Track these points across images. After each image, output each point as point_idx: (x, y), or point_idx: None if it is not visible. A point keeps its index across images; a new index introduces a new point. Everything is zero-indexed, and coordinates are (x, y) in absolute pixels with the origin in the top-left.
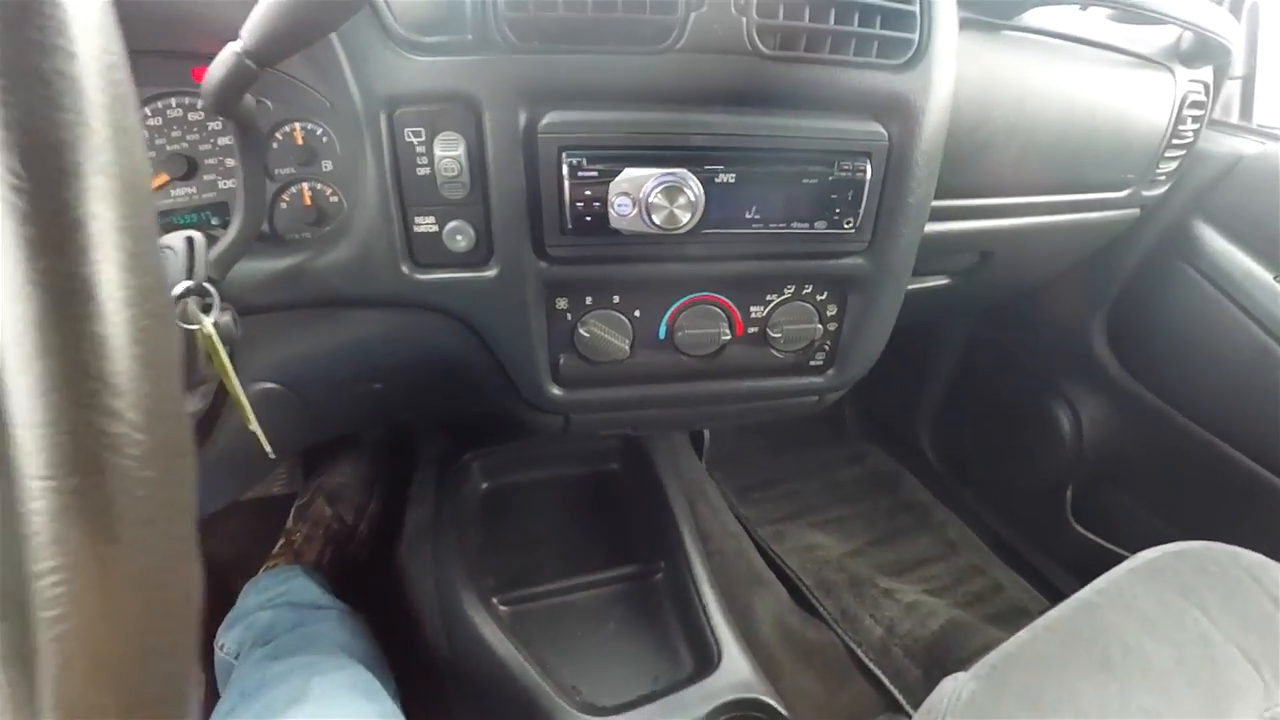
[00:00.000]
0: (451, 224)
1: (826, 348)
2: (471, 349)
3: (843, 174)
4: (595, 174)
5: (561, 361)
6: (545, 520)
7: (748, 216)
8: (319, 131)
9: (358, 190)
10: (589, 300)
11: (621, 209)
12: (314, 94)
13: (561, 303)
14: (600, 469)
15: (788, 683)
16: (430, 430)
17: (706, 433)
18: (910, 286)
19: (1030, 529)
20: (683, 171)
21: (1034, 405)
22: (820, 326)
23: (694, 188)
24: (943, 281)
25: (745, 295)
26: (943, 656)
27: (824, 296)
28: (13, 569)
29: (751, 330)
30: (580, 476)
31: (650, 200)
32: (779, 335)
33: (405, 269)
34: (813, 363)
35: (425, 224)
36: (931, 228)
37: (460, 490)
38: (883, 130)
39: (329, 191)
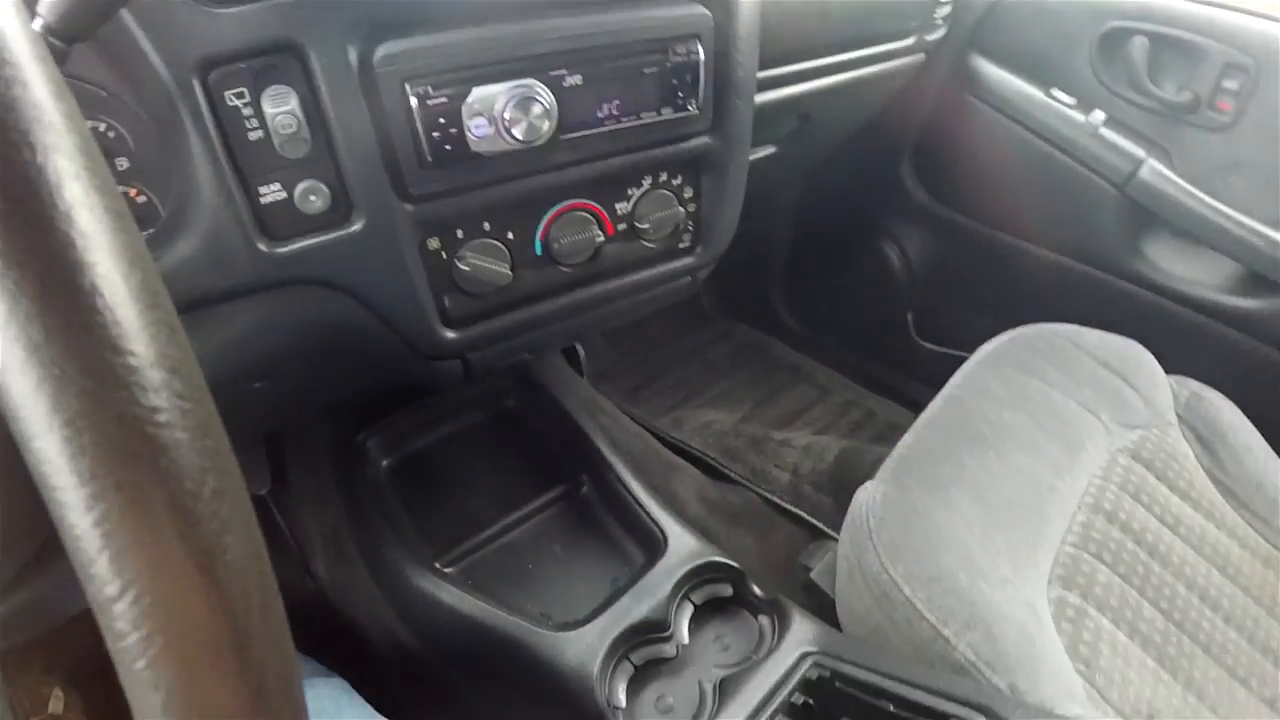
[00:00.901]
0: (301, 185)
1: (690, 229)
2: (353, 315)
3: (678, 59)
4: (444, 100)
5: (447, 303)
6: (460, 473)
7: (600, 115)
8: (102, 128)
9: (181, 177)
10: (460, 234)
11: (479, 130)
12: (86, 88)
13: (434, 243)
14: (497, 410)
15: (725, 544)
16: (308, 423)
17: (581, 350)
18: (753, 157)
19: (886, 356)
20: (531, 81)
21: (866, 248)
22: (682, 210)
23: (545, 95)
24: (771, 150)
25: (610, 194)
26: (846, 481)
27: (679, 181)
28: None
29: (621, 227)
30: (480, 422)
31: (506, 115)
32: (647, 226)
33: (262, 246)
34: (681, 245)
35: (272, 192)
36: (758, 99)
37: (363, 475)
38: (706, 11)
39: (133, 193)
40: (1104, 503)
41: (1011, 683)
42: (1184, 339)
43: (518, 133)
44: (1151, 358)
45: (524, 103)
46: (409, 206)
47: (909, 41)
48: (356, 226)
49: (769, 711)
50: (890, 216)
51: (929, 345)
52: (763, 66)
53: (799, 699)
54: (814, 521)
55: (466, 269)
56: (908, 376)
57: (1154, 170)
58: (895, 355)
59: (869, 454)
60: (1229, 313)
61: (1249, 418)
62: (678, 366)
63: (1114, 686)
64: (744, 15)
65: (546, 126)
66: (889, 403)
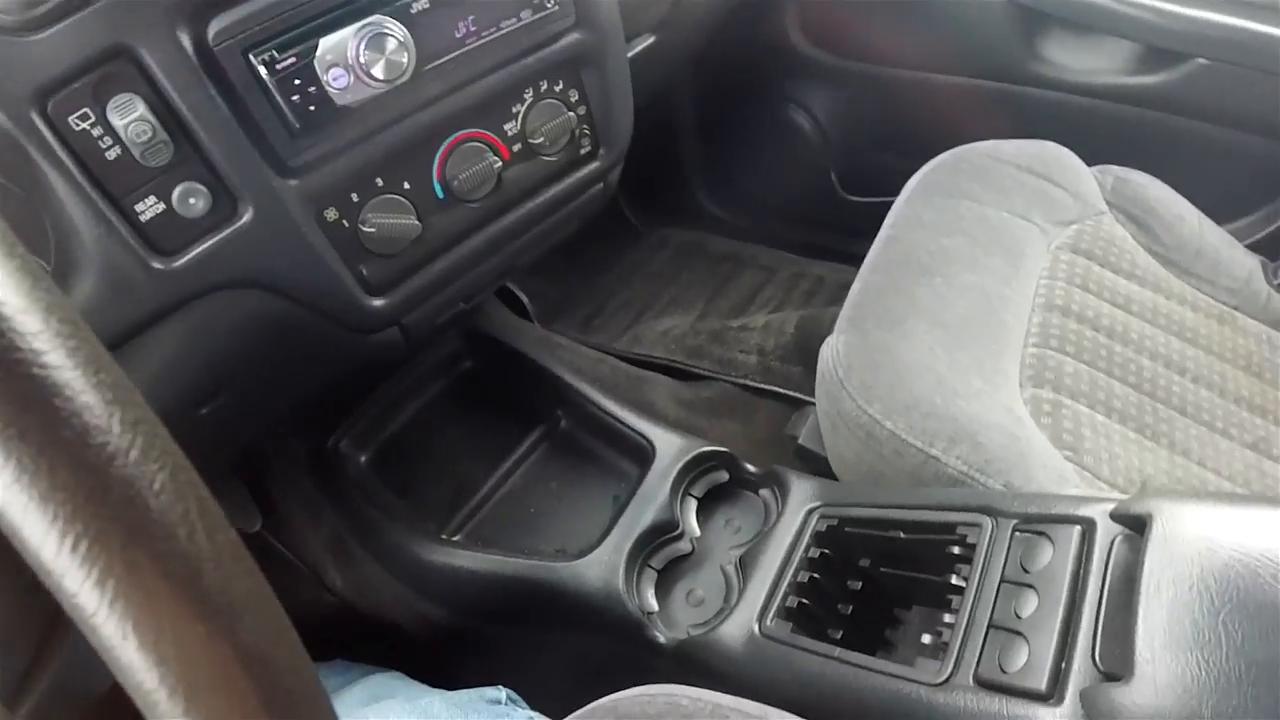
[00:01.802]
0: (178, 191)
1: (587, 132)
2: (276, 310)
3: None
4: (293, 60)
5: (364, 271)
6: (439, 445)
7: (459, 36)
8: None
9: (54, 219)
10: (356, 197)
11: (338, 82)
12: None
13: (331, 213)
14: (457, 375)
15: (711, 436)
16: (279, 448)
17: (524, 296)
18: (630, 53)
19: (820, 221)
20: (378, 17)
21: (774, 120)
22: (572, 114)
23: (396, 28)
24: (650, 40)
25: (495, 117)
26: (810, 346)
27: (561, 86)
28: None
29: (516, 148)
30: (443, 391)
31: (361, 59)
32: (542, 139)
33: (158, 265)
34: (582, 152)
35: (149, 207)
36: None
37: (346, 477)
38: None
39: None
40: (1055, 299)
41: (1006, 482)
42: (1097, 129)
43: (378, 73)
44: (1071, 154)
45: (376, 41)
46: (293, 182)
47: None
48: (246, 218)
49: (790, 572)
50: (790, 82)
51: (858, 199)
52: None
53: (815, 552)
54: (789, 393)
55: (373, 230)
56: (845, 235)
57: None
58: (828, 217)
59: (826, 316)
60: (1134, 93)
61: (1173, 189)
62: (622, 288)
63: (1103, 464)
64: None
65: (406, 59)
66: (834, 265)
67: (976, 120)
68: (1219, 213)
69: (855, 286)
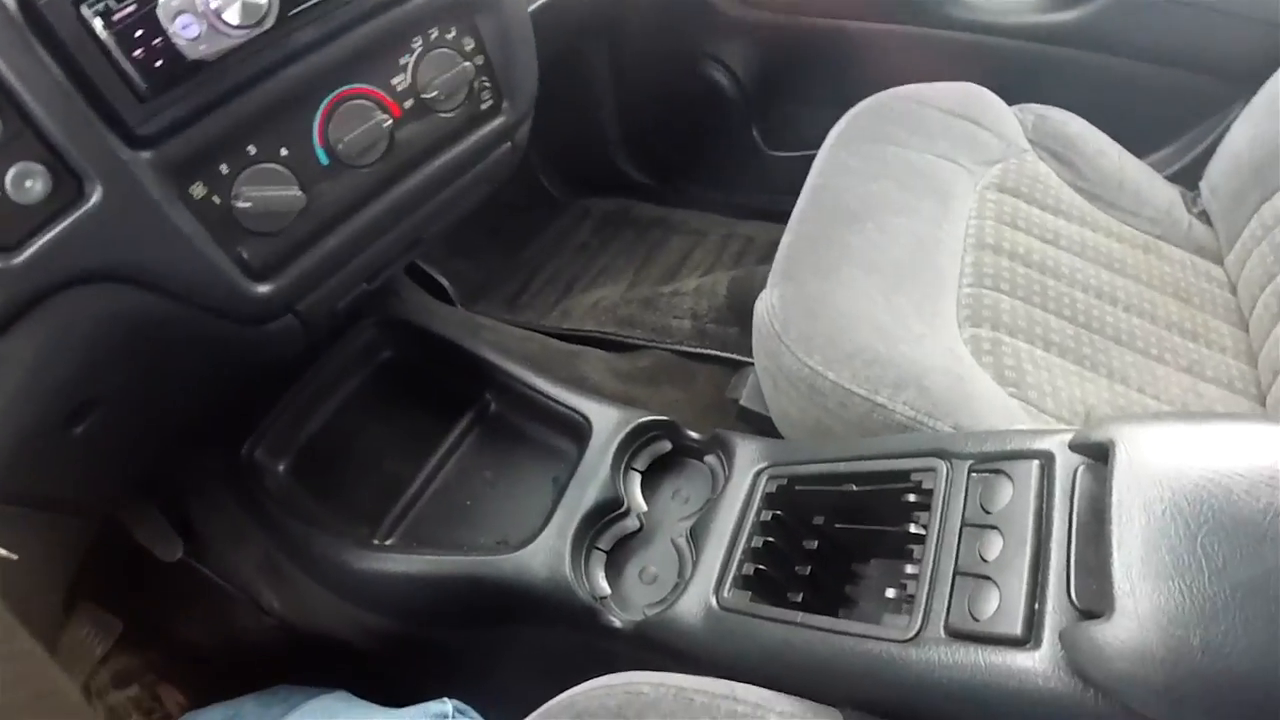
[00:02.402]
0: (11, 174)
1: (487, 84)
2: (143, 304)
3: None
4: (132, 8)
5: (244, 253)
6: (363, 443)
7: None
8: None
9: None
10: (225, 168)
11: (188, 32)
12: None
13: (198, 189)
14: (375, 366)
15: (651, 406)
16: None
17: (443, 280)
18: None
19: (745, 180)
20: None
21: (691, 79)
22: (469, 64)
23: None
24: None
25: (380, 69)
26: (744, 305)
27: (454, 33)
28: None
29: (408, 104)
30: (362, 385)
31: (213, 4)
32: (436, 93)
33: None
34: (484, 107)
35: None
36: None
37: (265, 489)
38: None
39: None
40: (986, 238)
41: (955, 423)
42: (1016, 69)
43: (233, 18)
44: (992, 95)
45: None
46: (146, 154)
47: None
48: (95, 199)
49: (743, 539)
50: (704, 38)
51: (782, 154)
52: None
53: (766, 515)
54: (727, 355)
55: (249, 205)
56: (771, 191)
57: None
58: (753, 175)
59: (758, 274)
60: (1049, 30)
61: (1092, 124)
62: (548, 262)
63: (1046, 397)
64: None
65: (266, 1)
66: (762, 223)
67: (896, 66)
68: (1138, 146)
69: (785, 239)
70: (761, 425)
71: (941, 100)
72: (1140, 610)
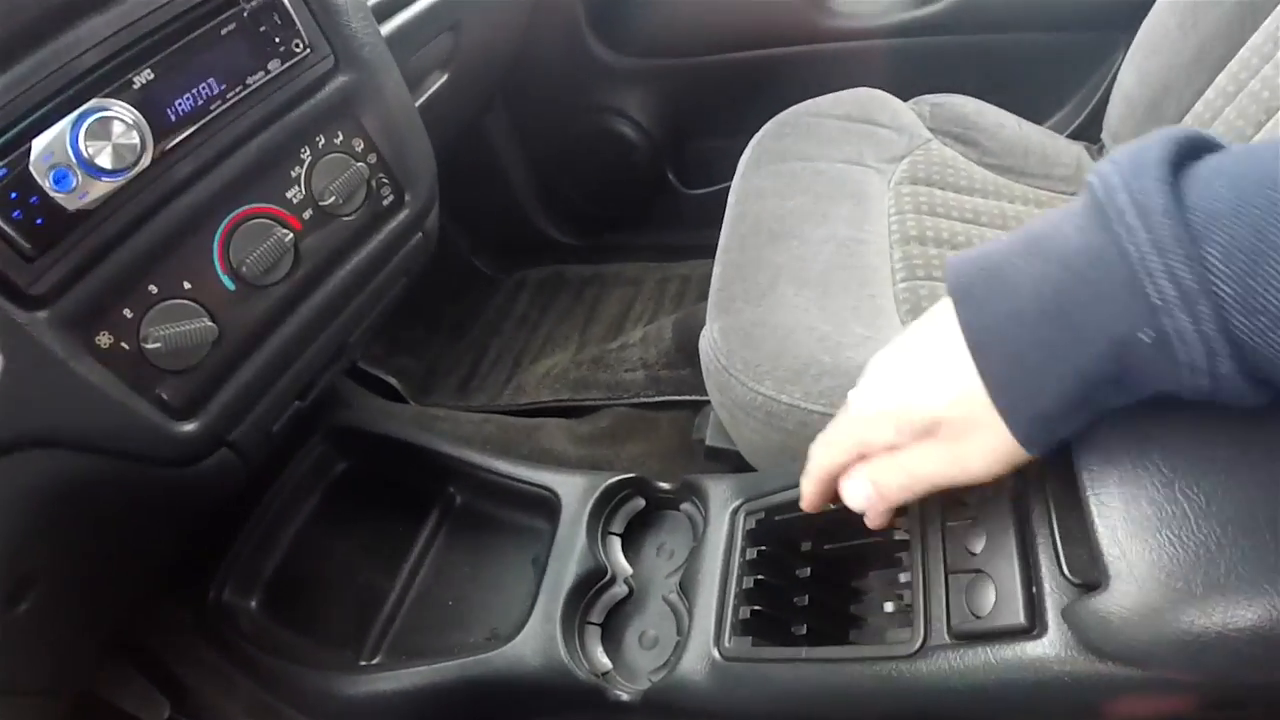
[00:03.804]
0: None
1: (385, 181)
2: (68, 468)
3: (254, 3)
4: (4, 172)
5: (163, 394)
6: (332, 563)
7: (202, 103)
8: None
9: None
10: (129, 312)
11: (64, 185)
12: None
13: (104, 339)
14: (330, 482)
15: (620, 464)
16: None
17: (390, 379)
18: (419, 102)
19: (669, 222)
20: (95, 101)
21: (599, 135)
22: (362, 164)
23: (122, 109)
24: (443, 77)
25: (272, 185)
26: (691, 345)
27: (341, 137)
28: None
29: (307, 214)
30: (320, 504)
31: (85, 153)
32: (333, 199)
33: None
34: (386, 203)
35: None
36: (392, 23)
37: (240, 630)
38: None
39: None
40: (909, 231)
41: None
42: (906, 66)
43: (107, 163)
44: (884, 94)
45: (98, 128)
46: (43, 313)
47: None
48: None
49: (733, 583)
50: (603, 93)
51: (700, 191)
52: None
53: (752, 553)
54: (684, 397)
55: (159, 346)
56: (697, 228)
57: None
58: (677, 216)
59: (700, 311)
60: (925, 23)
61: (989, 101)
62: (492, 341)
63: None
64: None
65: (139, 142)
66: (695, 261)
67: (792, 86)
68: (1036, 113)
69: (715, 271)
70: (732, 461)
71: (837, 109)
72: (1136, 572)
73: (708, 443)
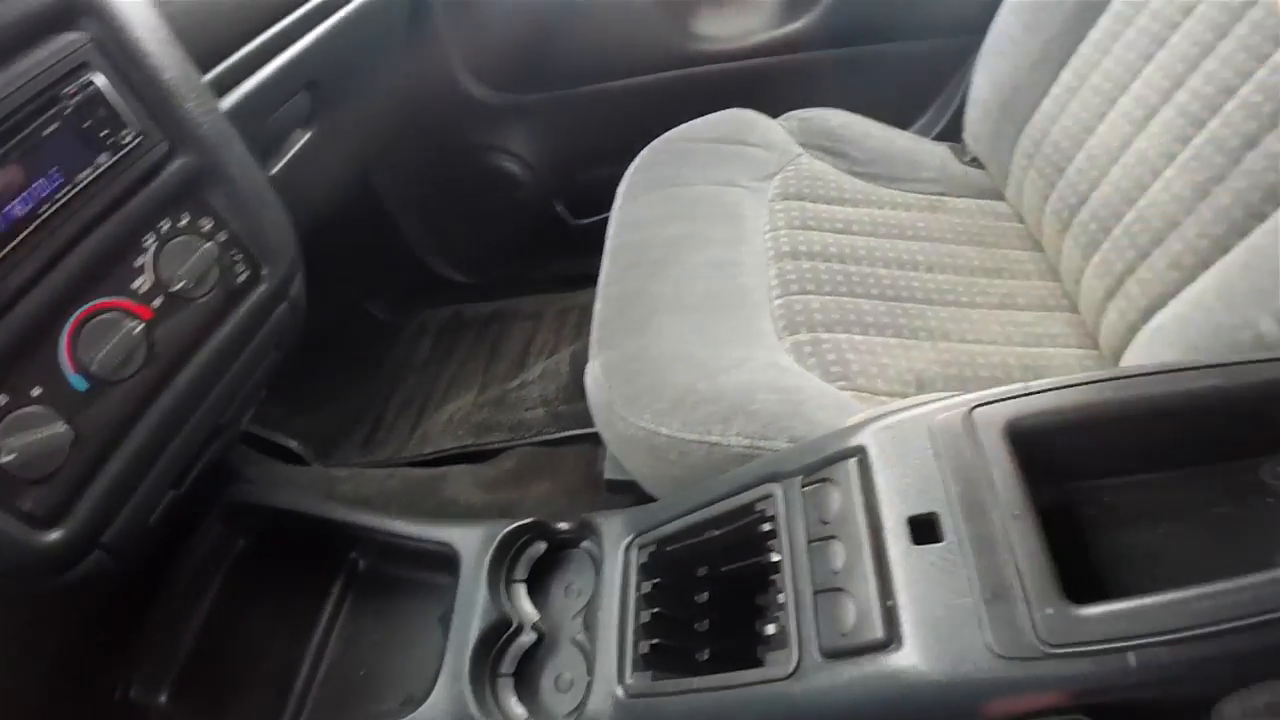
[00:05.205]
0: None
1: (238, 257)
2: None
3: (78, 99)
4: None
5: (23, 506)
6: (241, 645)
7: (31, 206)
8: None
9: None
10: None
11: None
12: None
13: None
14: (230, 560)
15: (526, 507)
16: None
17: (291, 443)
18: (273, 171)
19: (563, 253)
20: None
21: (485, 173)
22: (211, 244)
23: None
24: (306, 134)
25: (117, 278)
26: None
27: (186, 219)
28: None
29: (157, 302)
30: (225, 583)
31: None
32: (183, 283)
33: None
34: (241, 279)
35: None
36: (236, 92)
37: None
38: (78, 34)
39: None
40: (783, 247)
41: (791, 437)
42: (775, 84)
43: None
44: (754, 113)
45: None
46: None
47: None
48: None
49: (631, 619)
50: (483, 133)
51: (589, 220)
52: (207, 58)
53: (647, 586)
54: (585, 431)
55: (14, 456)
56: (589, 257)
57: None
58: (569, 247)
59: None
60: (788, 40)
61: (856, 112)
62: (396, 390)
63: (875, 378)
64: (131, 16)
65: None
66: (592, 290)
67: (668, 111)
68: (901, 119)
69: (596, 307)
70: (635, 491)
71: (708, 132)
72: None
73: (606, 476)
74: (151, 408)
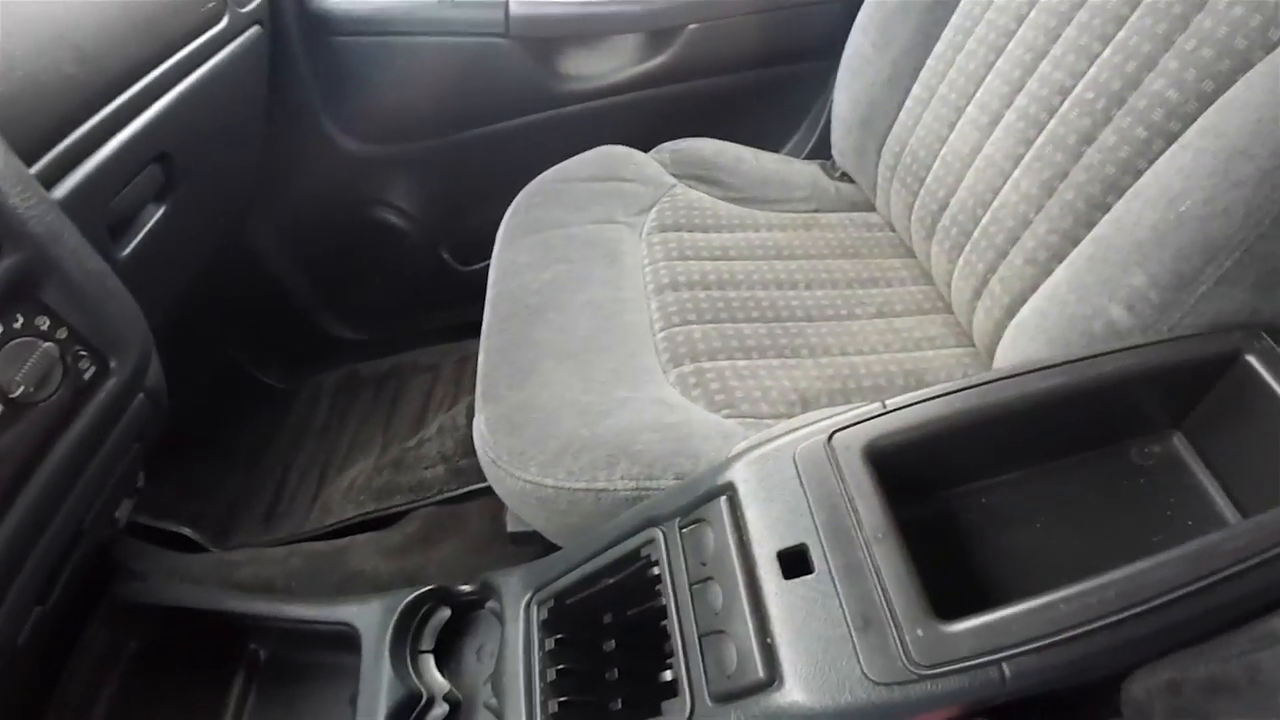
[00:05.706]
0: None
1: (83, 354)
2: None
3: None
4: None
5: None
6: None
7: None
8: None
9: None
10: None
11: None
12: None
13: None
14: (127, 659)
15: (431, 571)
16: None
17: (185, 530)
18: (125, 252)
19: (451, 303)
20: None
21: (367, 227)
22: (50, 343)
23: None
24: (161, 209)
25: None
26: None
27: (21, 320)
28: None
29: None
30: (121, 687)
31: None
32: (22, 388)
33: None
34: (88, 375)
35: None
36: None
37: None
38: None
39: None
40: (662, 280)
41: (676, 473)
42: (641, 119)
43: None
44: (626, 149)
45: None
46: None
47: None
48: None
49: (536, 679)
50: (361, 185)
51: (474, 267)
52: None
53: (549, 643)
54: (487, 484)
55: None
56: (479, 303)
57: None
58: (457, 295)
59: None
60: (653, 74)
61: (727, 139)
62: (295, 459)
63: (759, 402)
64: None
65: None
66: (474, 343)
67: (544, 152)
68: (772, 143)
69: (480, 359)
70: (539, 542)
71: (581, 171)
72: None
73: (510, 529)
74: (1, 524)
